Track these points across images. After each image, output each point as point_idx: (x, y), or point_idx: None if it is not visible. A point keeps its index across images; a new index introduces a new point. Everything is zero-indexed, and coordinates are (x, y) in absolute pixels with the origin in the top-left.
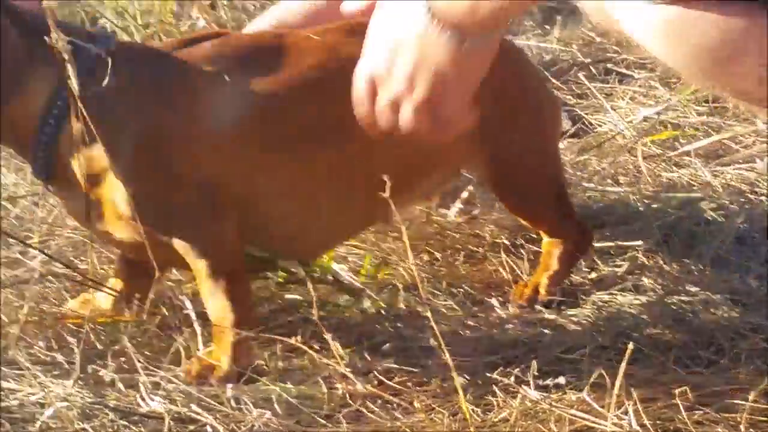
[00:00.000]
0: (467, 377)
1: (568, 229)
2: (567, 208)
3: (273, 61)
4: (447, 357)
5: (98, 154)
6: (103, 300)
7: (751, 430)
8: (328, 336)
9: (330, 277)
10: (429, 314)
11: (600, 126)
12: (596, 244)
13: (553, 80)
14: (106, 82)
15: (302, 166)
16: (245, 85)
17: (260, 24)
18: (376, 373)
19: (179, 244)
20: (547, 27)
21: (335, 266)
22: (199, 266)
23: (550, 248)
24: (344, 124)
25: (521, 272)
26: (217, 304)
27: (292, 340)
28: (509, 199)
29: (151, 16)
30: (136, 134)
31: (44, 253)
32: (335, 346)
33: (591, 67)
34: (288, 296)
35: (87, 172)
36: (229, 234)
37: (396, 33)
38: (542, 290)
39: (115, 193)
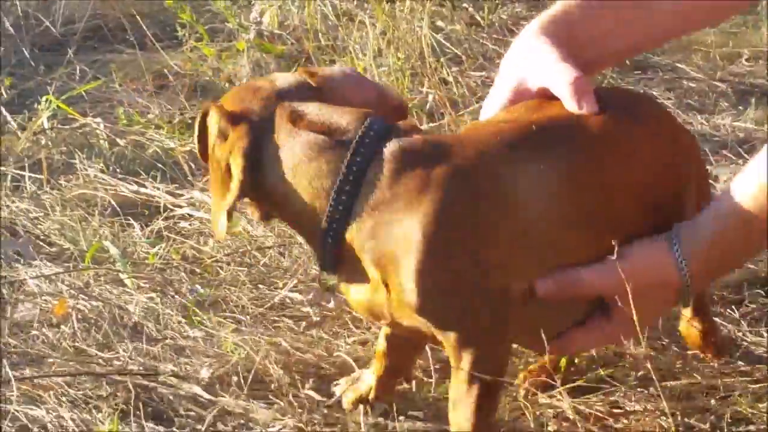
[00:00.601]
0: None
1: None
2: None
3: (559, 135)
4: None
5: (389, 241)
6: (368, 380)
7: None
8: None
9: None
10: None
11: None
12: None
13: (746, 156)
14: (393, 167)
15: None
16: (546, 164)
17: (493, 105)
18: None
19: (449, 341)
20: (741, 108)
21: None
22: (461, 367)
23: None
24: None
25: None
26: (462, 413)
27: None
28: None
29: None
30: (431, 222)
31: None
32: None
33: None
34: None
35: (376, 258)
36: (505, 349)
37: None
38: None
39: (401, 281)
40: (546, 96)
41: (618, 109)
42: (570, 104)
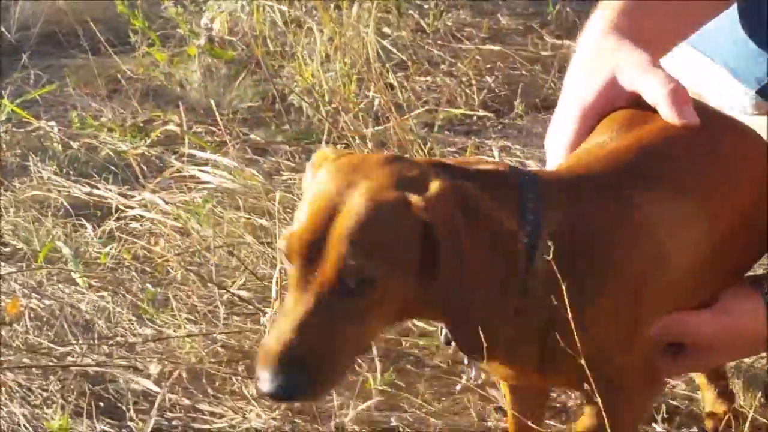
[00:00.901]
0: None
1: None
2: None
3: (692, 166)
4: None
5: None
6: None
7: None
8: None
9: None
10: None
11: None
12: None
13: None
14: (556, 222)
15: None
16: (688, 210)
17: (563, 132)
18: None
19: (605, 396)
20: None
21: None
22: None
23: None
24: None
25: None
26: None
27: None
28: None
29: (335, 95)
30: (602, 277)
31: (233, 293)
32: None
33: None
34: None
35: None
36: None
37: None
38: None
39: (563, 333)
40: (636, 100)
41: (715, 124)
42: (668, 114)
